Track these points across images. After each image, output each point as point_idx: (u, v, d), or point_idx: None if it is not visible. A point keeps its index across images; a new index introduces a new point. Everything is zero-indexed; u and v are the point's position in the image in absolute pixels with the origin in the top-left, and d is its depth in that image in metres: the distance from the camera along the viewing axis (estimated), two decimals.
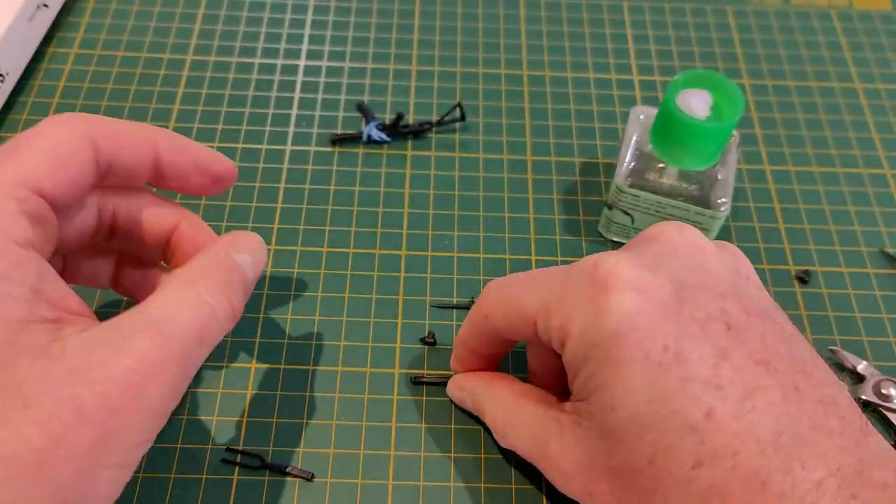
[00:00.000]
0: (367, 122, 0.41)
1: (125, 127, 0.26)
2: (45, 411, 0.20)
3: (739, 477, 0.22)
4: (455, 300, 0.36)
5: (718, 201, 0.34)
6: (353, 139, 0.41)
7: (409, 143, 0.41)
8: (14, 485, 0.20)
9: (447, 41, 0.46)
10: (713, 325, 0.24)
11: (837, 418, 0.23)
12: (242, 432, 0.32)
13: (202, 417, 0.32)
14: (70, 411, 0.21)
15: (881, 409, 0.33)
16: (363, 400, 0.33)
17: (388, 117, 0.42)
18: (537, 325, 0.26)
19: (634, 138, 0.36)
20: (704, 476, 0.22)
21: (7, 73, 0.40)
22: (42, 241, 0.23)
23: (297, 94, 0.43)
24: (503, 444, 0.29)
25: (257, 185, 0.39)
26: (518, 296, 0.27)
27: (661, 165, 0.35)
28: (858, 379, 0.33)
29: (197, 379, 0.33)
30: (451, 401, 0.33)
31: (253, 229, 0.37)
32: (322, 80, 0.44)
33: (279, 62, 0.44)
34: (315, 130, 0.41)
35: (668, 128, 0.32)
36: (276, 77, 0.44)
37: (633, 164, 0.35)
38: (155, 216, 0.28)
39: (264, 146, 0.41)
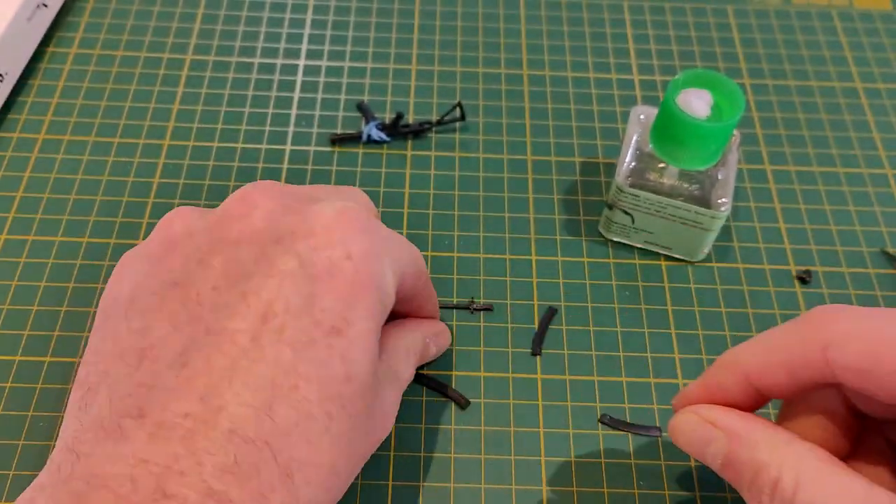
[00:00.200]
0: (367, 122, 0.41)
1: (425, 292, 0.31)
2: (379, 421, 0.27)
3: None
4: (455, 300, 0.36)
5: (719, 201, 0.34)
6: (353, 139, 0.41)
7: (409, 142, 0.41)
8: None
9: (447, 41, 0.46)
10: None
11: None
12: None
13: None
14: (381, 428, 0.27)
15: None
16: None
17: (387, 117, 0.42)
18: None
19: (635, 138, 0.35)
20: None
21: (6, 73, 0.40)
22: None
23: (296, 94, 0.43)
24: None
25: None
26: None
27: (661, 165, 0.34)
28: None
29: None
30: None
31: None
32: (322, 79, 0.44)
33: (279, 62, 0.44)
34: (315, 130, 0.41)
35: (669, 127, 0.32)
36: (276, 77, 0.44)
37: (633, 163, 0.35)
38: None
39: (264, 146, 0.41)
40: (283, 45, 0.45)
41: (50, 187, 0.38)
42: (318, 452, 0.22)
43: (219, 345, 0.22)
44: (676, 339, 0.35)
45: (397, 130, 0.41)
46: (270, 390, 0.22)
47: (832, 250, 0.38)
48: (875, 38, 0.47)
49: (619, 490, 0.31)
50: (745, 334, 0.35)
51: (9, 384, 0.32)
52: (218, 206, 0.27)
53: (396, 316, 0.30)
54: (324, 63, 0.44)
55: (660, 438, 0.32)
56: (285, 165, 0.40)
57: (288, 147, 0.41)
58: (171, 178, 0.39)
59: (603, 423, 0.32)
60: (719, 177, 0.34)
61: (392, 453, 0.31)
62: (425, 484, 0.31)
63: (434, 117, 0.42)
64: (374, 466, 0.31)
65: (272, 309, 0.23)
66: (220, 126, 0.41)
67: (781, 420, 0.24)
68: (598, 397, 0.33)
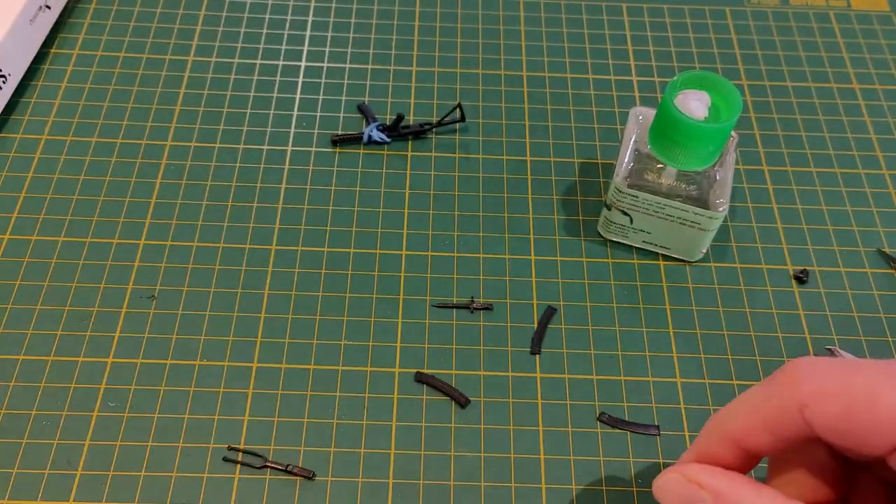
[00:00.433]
0: (368, 123, 0.42)
1: None
2: None
3: None
4: (455, 300, 0.36)
5: (717, 202, 0.34)
6: (354, 140, 0.41)
7: (410, 143, 0.41)
8: None
9: (447, 42, 0.46)
10: None
11: None
12: (244, 431, 0.32)
13: (203, 416, 0.32)
14: None
15: None
16: (364, 399, 0.33)
17: (388, 118, 0.42)
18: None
19: (633, 139, 0.36)
20: None
21: (9, 75, 0.40)
22: None
23: (298, 96, 0.43)
24: None
25: (258, 185, 0.39)
26: (878, 386, 0.20)
27: (659, 166, 0.35)
28: None
29: (199, 378, 0.33)
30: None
31: (254, 229, 0.38)
32: (323, 81, 0.44)
33: (280, 63, 0.45)
34: (316, 131, 0.42)
35: (667, 128, 0.32)
36: (277, 78, 0.44)
37: (631, 164, 0.35)
38: None
39: (265, 147, 0.41)
40: (284, 46, 0.45)
41: (53, 188, 0.39)
42: None
43: None
44: (675, 338, 0.35)
45: (398, 131, 0.41)
46: None
47: (829, 250, 0.38)
48: (872, 40, 0.48)
49: (617, 488, 0.31)
50: (742, 333, 0.35)
51: (12, 383, 0.33)
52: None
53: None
54: (325, 65, 0.45)
55: (658, 437, 0.32)
56: (286, 166, 0.40)
57: (289, 148, 0.41)
58: (173, 179, 0.39)
59: (602, 421, 0.33)
60: (717, 177, 0.35)
61: (392, 452, 0.32)
62: (425, 482, 0.31)
63: (434, 118, 0.42)
64: (375, 465, 0.31)
65: None
66: (221, 127, 0.41)
67: (770, 474, 0.24)
68: (596, 396, 0.33)
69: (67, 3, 0.46)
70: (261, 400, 0.33)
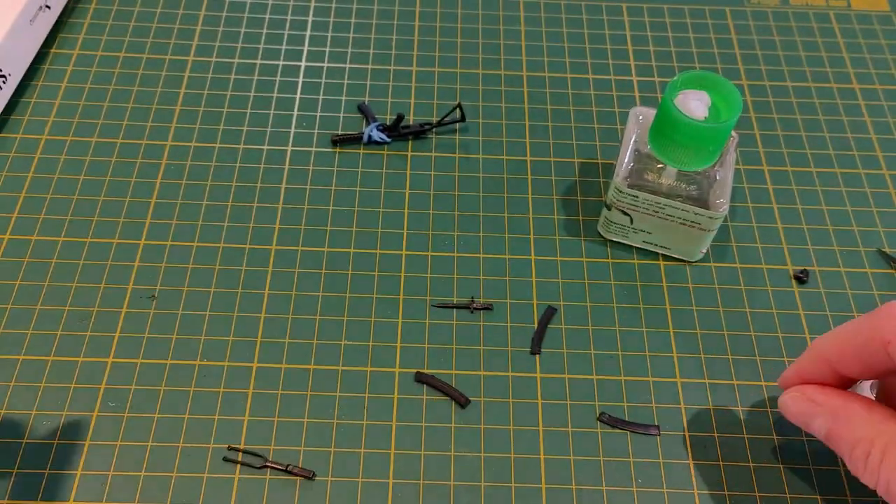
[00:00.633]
0: (368, 123, 0.42)
1: None
2: None
3: None
4: (455, 300, 0.36)
5: (717, 202, 0.34)
6: (354, 140, 0.41)
7: (410, 143, 0.41)
8: None
9: (447, 42, 0.46)
10: None
11: None
12: (244, 431, 0.32)
13: (203, 416, 0.32)
14: None
15: None
16: (364, 399, 0.33)
17: (388, 118, 0.42)
18: None
19: (633, 139, 0.36)
20: None
21: (9, 75, 0.40)
22: None
23: (298, 96, 0.43)
24: (870, 479, 0.25)
25: (258, 185, 0.39)
26: None
27: (659, 166, 0.35)
28: None
29: (199, 378, 0.33)
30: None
31: (254, 229, 0.38)
32: (323, 81, 0.44)
33: (280, 63, 0.45)
34: (316, 131, 0.42)
35: (667, 128, 0.32)
36: (277, 78, 0.44)
37: (631, 164, 0.35)
38: None
39: (265, 147, 0.41)
40: (284, 46, 0.45)
41: (53, 188, 0.39)
42: None
43: None
44: (675, 339, 0.35)
45: (398, 131, 0.41)
46: None
47: (829, 250, 0.38)
48: (872, 40, 0.48)
49: (617, 488, 0.31)
50: (742, 333, 0.35)
51: (12, 383, 0.33)
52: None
53: None
54: (325, 65, 0.45)
55: (658, 437, 0.32)
56: (287, 166, 0.40)
57: (289, 148, 0.41)
58: (173, 179, 0.39)
59: (602, 421, 0.33)
60: (717, 177, 0.35)
61: (392, 452, 0.32)
62: (426, 482, 0.31)
63: (434, 118, 0.43)
64: (375, 465, 0.31)
65: None
66: (221, 127, 0.41)
67: (882, 396, 0.27)
68: (596, 396, 0.33)
69: (67, 3, 0.46)
70: (261, 400, 0.33)
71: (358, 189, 0.39)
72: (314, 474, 0.31)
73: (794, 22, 0.48)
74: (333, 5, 0.48)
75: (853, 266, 0.38)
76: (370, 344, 0.34)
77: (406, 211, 0.39)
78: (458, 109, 0.41)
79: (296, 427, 0.32)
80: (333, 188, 0.39)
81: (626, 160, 0.35)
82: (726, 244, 0.38)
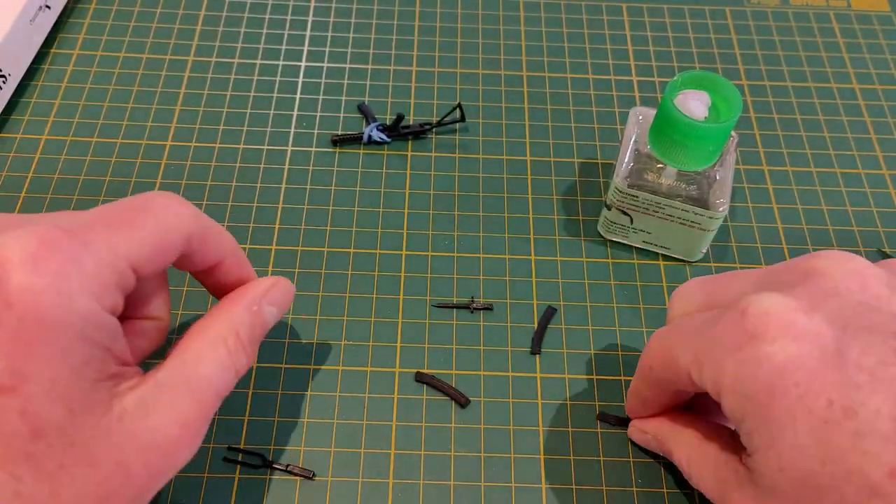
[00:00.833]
0: (368, 123, 0.42)
1: (215, 233, 0.27)
2: (103, 472, 0.22)
3: None
4: (455, 300, 0.36)
5: (717, 202, 0.34)
6: (354, 140, 0.41)
7: (410, 143, 0.41)
8: None
9: (447, 42, 0.46)
10: (888, 370, 0.21)
11: None
12: (244, 431, 0.32)
13: None
14: (121, 474, 0.22)
15: None
16: (364, 399, 0.33)
17: (388, 118, 0.42)
18: (692, 378, 0.25)
19: (633, 139, 0.36)
20: None
21: (9, 75, 0.40)
22: (120, 305, 0.24)
23: (298, 96, 0.43)
24: (692, 483, 0.28)
25: (258, 185, 0.39)
26: (673, 346, 0.26)
27: (659, 166, 0.35)
28: None
29: None
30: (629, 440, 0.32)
31: (254, 229, 0.38)
32: (323, 81, 0.44)
33: (280, 63, 0.45)
34: (316, 131, 0.42)
35: (667, 128, 0.32)
36: (277, 78, 0.44)
37: (631, 164, 0.35)
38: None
39: (265, 147, 0.41)
40: (284, 46, 0.45)
41: (53, 188, 0.39)
42: None
43: None
44: None
45: (398, 131, 0.41)
46: None
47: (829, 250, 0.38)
48: (872, 40, 0.48)
49: (617, 488, 0.31)
50: None
51: None
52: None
53: (212, 286, 0.29)
54: (325, 65, 0.45)
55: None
56: (286, 166, 0.40)
57: (289, 148, 0.41)
58: (173, 179, 0.39)
59: (602, 421, 0.33)
60: (717, 177, 0.35)
61: (392, 451, 0.32)
62: (425, 482, 0.31)
63: (434, 118, 0.43)
64: (375, 465, 0.31)
65: None
66: (221, 127, 0.41)
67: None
68: (596, 396, 0.33)
69: (67, 3, 0.46)
70: (261, 400, 0.33)
71: (358, 189, 0.39)
72: (314, 474, 0.31)
73: (794, 22, 0.48)
74: (333, 5, 0.48)
75: None
76: (370, 344, 0.34)
77: (406, 211, 0.39)
78: (458, 109, 0.41)
79: (296, 427, 0.32)
80: (333, 188, 0.39)
81: (626, 160, 0.35)
82: (726, 244, 0.38)
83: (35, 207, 0.38)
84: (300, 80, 0.44)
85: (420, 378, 0.33)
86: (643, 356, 0.29)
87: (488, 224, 0.39)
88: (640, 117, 0.36)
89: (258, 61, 0.45)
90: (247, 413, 0.32)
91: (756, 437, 0.23)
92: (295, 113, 0.42)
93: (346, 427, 0.32)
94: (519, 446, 0.32)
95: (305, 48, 0.45)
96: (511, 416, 0.33)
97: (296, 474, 0.31)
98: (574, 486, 0.31)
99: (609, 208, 0.37)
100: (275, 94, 0.43)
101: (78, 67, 0.44)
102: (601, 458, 0.32)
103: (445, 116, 0.42)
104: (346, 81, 0.44)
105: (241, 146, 0.41)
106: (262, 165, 0.40)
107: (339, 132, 0.42)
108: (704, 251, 0.37)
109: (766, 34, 0.48)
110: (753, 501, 0.24)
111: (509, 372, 0.34)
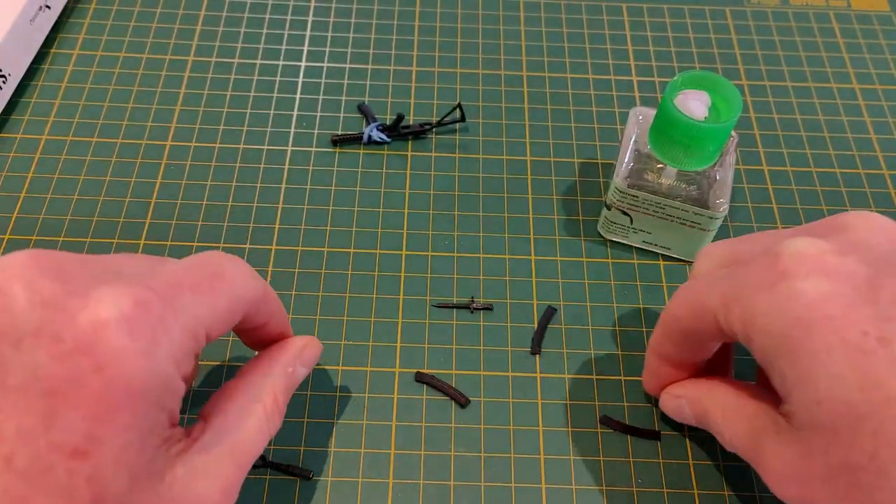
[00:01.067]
0: (368, 123, 0.42)
1: (269, 298, 0.27)
2: None
3: None
4: (455, 300, 0.36)
5: (717, 202, 0.34)
6: (354, 140, 0.41)
7: (410, 143, 0.41)
8: None
9: (447, 42, 0.46)
10: None
11: None
12: None
13: None
14: None
15: None
16: (364, 399, 0.33)
17: (388, 118, 0.42)
18: (719, 322, 0.25)
19: (633, 139, 0.36)
20: None
21: (9, 75, 0.40)
22: (192, 370, 0.24)
23: (298, 96, 0.43)
24: (724, 443, 0.28)
25: (258, 185, 0.39)
26: (700, 292, 0.26)
27: (659, 166, 0.35)
28: None
29: (199, 377, 0.33)
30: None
31: (254, 229, 0.38)
32: (323, 81, 0.44)
33: (280, 63, 0.45)
34: (316, 131, 0.42)
35: (667, 128, 0.32)
36: (277, 78, 0.44)
37: (631, 164, 0.35)
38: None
39: (265, 147, 0.41)
40: (284, 46, 0.45)
41: (53, 188, 0.39)
42: None
43: None
44: None
45: (398, 131, 0.41)
46: None
47: None
48: (872, 40, 0.48)
49: (617, 488, 0.31)
50: None
51: None
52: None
53: (251, 339, 0.29)
54: (325, 65, 0.45)
55: (659, 442, 0.32)
56: (287, 166, 0.40)
57: (289, 148, 0.41)
58: (173, 179, 0.39)
59: (604, 425, 0.33)
60: (717, 177, 0.35)
61: (392, 451, 0.32)
62: (425, 482, 0.31)
63: (434, 118, 0.43)
64: (375, 465, 0.31)
65: None
66: (221, 127, 0.41)
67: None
68: (596, 396, 0.33)
69: (67, 3, 0.46)
70: None
71: (358, 189, 0.39)
72: (313, 474, 0.31)
73: (794, 22, 0.48)
74: (333, 5, 0.48)
75: None
76: (370, 344, 0.34)
77: (406, 211, 0.39)
78: (457, 109, 0.41)
79: (295, 427, 0.32)
80: (333, 188, 0.39)
81: (626, 160, 0.35)
82: None
83: (35, 207, 0.38)
84: (300, 80, 0.44)
85: (420, 378, 0.33)
86: (668, 307, 0.28)
87: (488, 224, 0.39)
88: (640, 117, 0.36)
89: (258, 61, 0.45)
90: None
91: (791, 374, 0.23)
92: (295, 113, 0.42)
93: (345, 427, 0.32)
94: (519, 446, 0.32)
95: (305, 48, 0.45)
96: (511, 416, 0.33)
97: (295, 474, 0.31)
98: (574, 486, 0.31)
99: (609, 208, 0.37)
100: (275, 94, 0.43)
101: (78, 67, 0.44)
102: (601, 458, 0.32)
103: (445, 116, 0.42)
104: (346, 81, 0.44)
105: (241, 146, 0.41)
106: (262, 165, 0.40)
107: (339, 132, 0.42)
108: None
109: (766, 34, 0.48)
110: (789, 447, 0.24)
111: (509, 372, 0.34)
